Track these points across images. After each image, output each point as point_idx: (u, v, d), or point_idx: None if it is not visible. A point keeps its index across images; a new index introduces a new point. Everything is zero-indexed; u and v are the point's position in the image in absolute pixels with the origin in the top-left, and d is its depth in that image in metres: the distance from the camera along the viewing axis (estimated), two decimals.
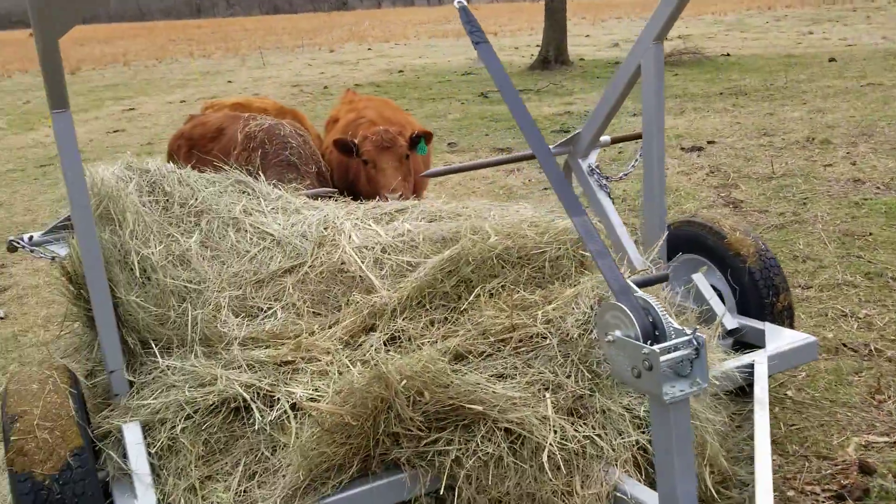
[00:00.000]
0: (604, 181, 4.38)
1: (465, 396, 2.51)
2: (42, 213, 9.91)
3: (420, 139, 5.10)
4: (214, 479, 2.73)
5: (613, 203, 4.35)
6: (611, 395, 2.66)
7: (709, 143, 10.73)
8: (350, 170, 5.27)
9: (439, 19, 58.19)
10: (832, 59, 18.40)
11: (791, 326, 3.71)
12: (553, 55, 21.11)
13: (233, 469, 2.73)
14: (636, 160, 4.74)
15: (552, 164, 2.50)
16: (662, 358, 2.07)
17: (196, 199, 3.45)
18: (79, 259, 3.01)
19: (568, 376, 2.65)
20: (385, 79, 21.89)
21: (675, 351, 2.13)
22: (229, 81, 24.10)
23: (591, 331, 2.69)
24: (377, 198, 4.97)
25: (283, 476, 2.61)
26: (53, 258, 3.35)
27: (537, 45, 26.61)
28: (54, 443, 2.61)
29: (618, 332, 2.25)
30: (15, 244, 3.34)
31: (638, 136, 4.67)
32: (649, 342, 2.14)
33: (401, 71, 23.94)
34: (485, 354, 2.78)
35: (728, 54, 21.38)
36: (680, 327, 2.18)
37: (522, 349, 2.75)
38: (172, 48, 40.63)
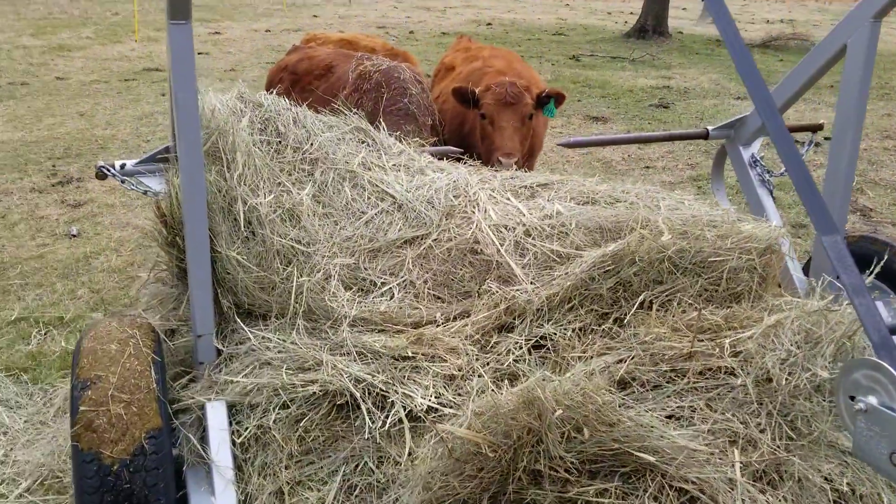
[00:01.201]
0: (767, 176, 3.76)
1: (634, 441, 1.99)
2: (123, 128, 9.63)
3: (550, 99, 4.49)
4: (306, 486, 2.29)
5: (776, 203, 3.74)
6: (809, 461, 2.12)
7: (825, 139, 9.87)
8: (466, 123, 4.71)
9: None
10: None
11: None
12: (651, 25, 20.06)
13: (329, 478, 2.28)
14: (804, 152, 4.09)
15: (797, 159, 1.93)
16: None
17: (311, 145, 2.96)
18: (178, 201, 2.56)
19: (762, 430, 2.10)
20: (473, 30, 21.10)
21: None
22: (315, 16, 23.62)
23: (799, 375, 2.13)
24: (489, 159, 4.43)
25: (392, 501, 2.15)
26: (146, 192, 2.92)
27: (631, 13, 25.46)
28: (129, 420, 2.19)
29: (872, 399, 1.69)
30: (104, 171, 2.91)
31: (815, 127, 4.04)
32: None
33: (489, 24, 23.10)
34: (653, 385, 2.25)
35: None
36: None
37: (701, 385, 2.22)
38: None
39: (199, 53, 15.59)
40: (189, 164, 2.32)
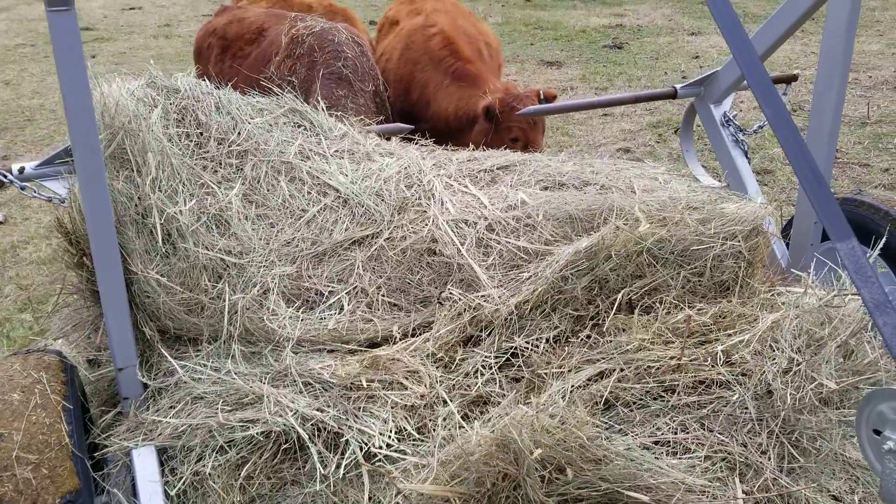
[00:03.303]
0: (740, 136, 3.49)
1: (624, 480, 1.74)
2: (51, 96, 9.01)
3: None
4: None
5: (750, 164, 3.49)
6: (816, 480, 1.90)
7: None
8: (413, 89, 4.33)
9: None
10: None
11: None
12: None
13: None
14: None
15: (795, 137, 1.66)
16: None
17: (239, 134, 2.59)
18: (81, 215, 2.20)
19: (764, 452, 1.87)
20: None
21: None
22: None
23: (803, 387, 1.89)
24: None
25: None
26: (50, 199, 2.54)
27: None
28: (39, 485, 1.88)
29: None
30: (0, 177, 2.52)
31: (789, 79, 3.77)
32: None
33: None
34: (639, 404, 1.99)
35: None
36: None
37: (693, 402, 1.97)
38: None
39: (130, 8, 14.78)
40: (88, 176, 1.96)
